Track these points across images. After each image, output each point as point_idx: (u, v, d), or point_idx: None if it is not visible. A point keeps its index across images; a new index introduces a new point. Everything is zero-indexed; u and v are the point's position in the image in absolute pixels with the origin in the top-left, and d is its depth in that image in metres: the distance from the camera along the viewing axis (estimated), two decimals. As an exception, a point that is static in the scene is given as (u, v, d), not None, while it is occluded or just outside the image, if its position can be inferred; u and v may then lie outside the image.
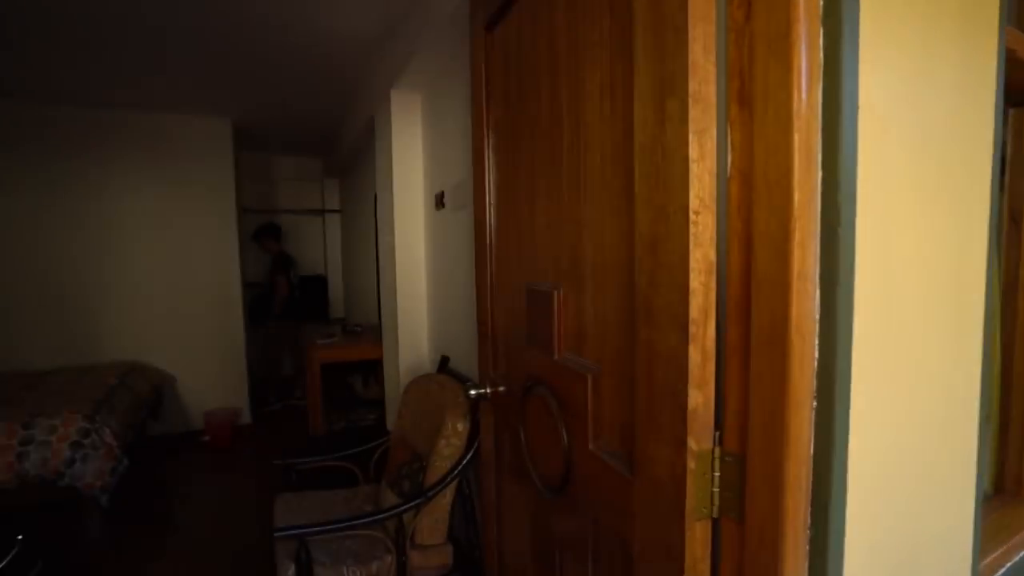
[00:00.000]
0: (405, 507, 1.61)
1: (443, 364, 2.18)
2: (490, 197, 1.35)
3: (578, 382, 0.92)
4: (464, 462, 1.66)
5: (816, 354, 0.57)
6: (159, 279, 3.76)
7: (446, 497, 1.68)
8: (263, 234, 4.60)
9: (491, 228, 1.35)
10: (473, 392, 1.38)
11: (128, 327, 3.71)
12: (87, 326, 3.61)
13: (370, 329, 3.45)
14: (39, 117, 3.39)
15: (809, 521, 0.58)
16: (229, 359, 3.98)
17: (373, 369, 3.76)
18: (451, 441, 1.66)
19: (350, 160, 4.39)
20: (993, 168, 0.73)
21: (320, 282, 5.40)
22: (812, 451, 0.57)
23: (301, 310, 5.12)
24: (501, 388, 1.34)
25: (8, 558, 1.29)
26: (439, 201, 2.21)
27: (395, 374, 2.59)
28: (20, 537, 1.40)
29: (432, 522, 1.69)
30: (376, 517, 1.60)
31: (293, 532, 1.49)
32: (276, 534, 1.48)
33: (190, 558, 2.51)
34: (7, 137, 3.34)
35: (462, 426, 1.68)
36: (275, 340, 4.54)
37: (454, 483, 1.68)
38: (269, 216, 5.16)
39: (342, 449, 2.65)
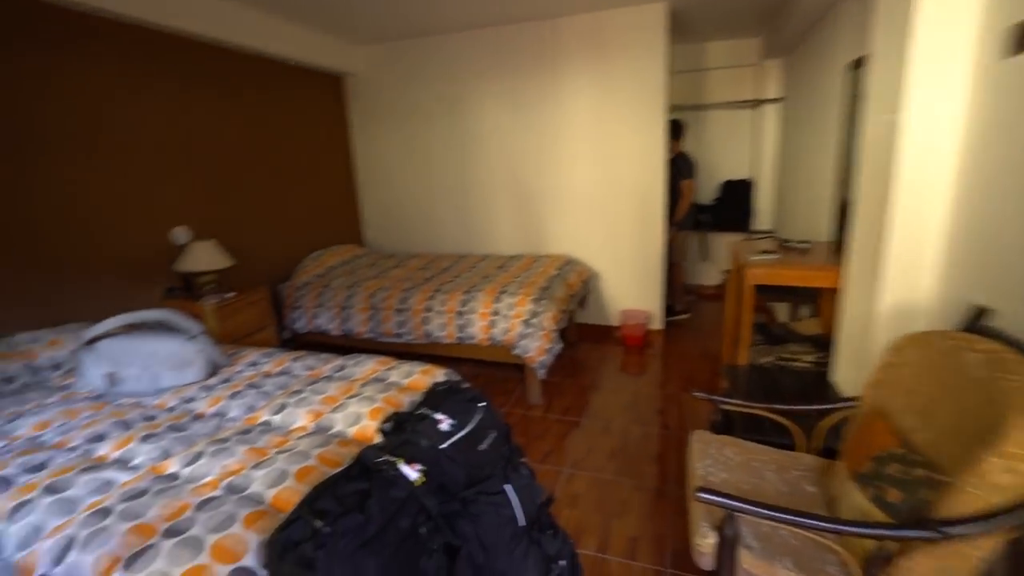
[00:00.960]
0: (902, 533, 1.03)
1: (975, 320, 1.34)
2: None
3: None
4: (1039, 509, 0.92)
5: None
6: (591, 181, 3.96)
7: (981, 549, 1.00)
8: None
9: None
10: None
11: (566, 224, 4.12)
12: (537, 221, 4.20)
13: (819, 248, 2.69)
14: (503, 36, 3.87)
15: None
16: (646, 263, 3.97)
17: (810, 298, 3.02)
18: (1015, 465, 0.93)
19: (804, 29, 3.40)
20: None
21: (743, 187, 4.76)
22: None
23: (718, 219, 4.66)
24: None
25: (471, 425, 1.40)
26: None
27: (860, 313, 1.86)
28: (482, 404, 1.51)
29: (941, 572, 1.05)
30: (846, 528, 1.09)
31: (721, 502, 1.16)
32: (700, 494, 1.18)
33: (600, 437, 2.67)
34: (486, 65, 3.97)
35: (1046, 446, 0.92)
36: (677, 249, 4.26)
37: (1009, 536, 0.97)
38: (694, 113, 4.75)
39: (770, 392, 2.18)
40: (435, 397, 1.52)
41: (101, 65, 2.62)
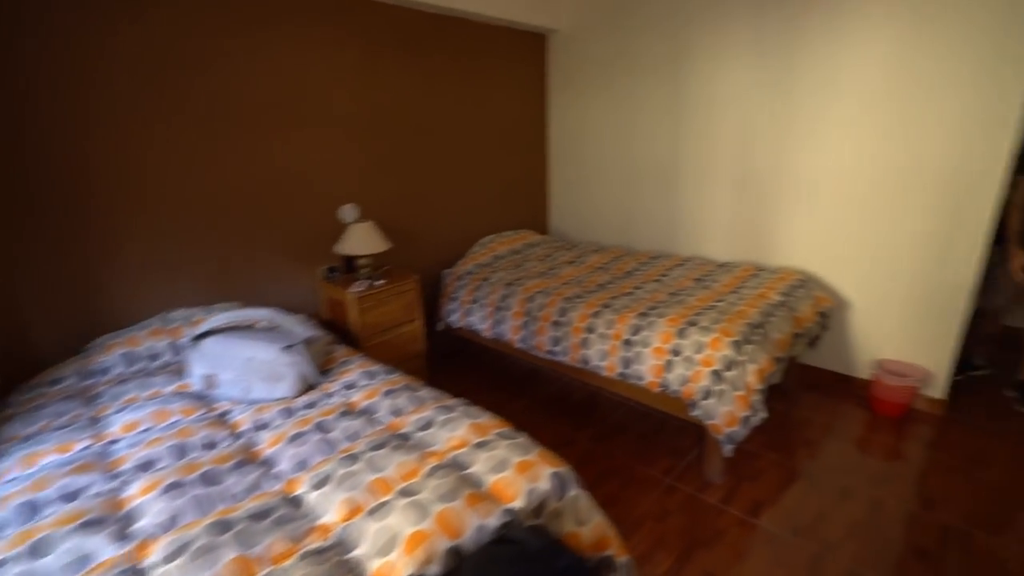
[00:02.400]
0: None
1: None
2: None
3: None
4: None
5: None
6: (862, 163, 2.67)
7: None
8: None
9: None
10: None
11: (807, 227, 2.92)
12: (766, 219, 3.07)
13: None
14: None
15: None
16: (939, 297, 2.58)
17: None
18: None
19: None
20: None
21: None
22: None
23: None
24: None
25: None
26: None
27: None
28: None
29: None
30: None
31: None
32: None
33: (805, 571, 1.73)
34: (729, 3, 2.92)
35: None
36: (1000, 274, 2.68)
37: None
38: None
39: None
40: (496, 563, 0.89)
41: (289, 39, 2.52)
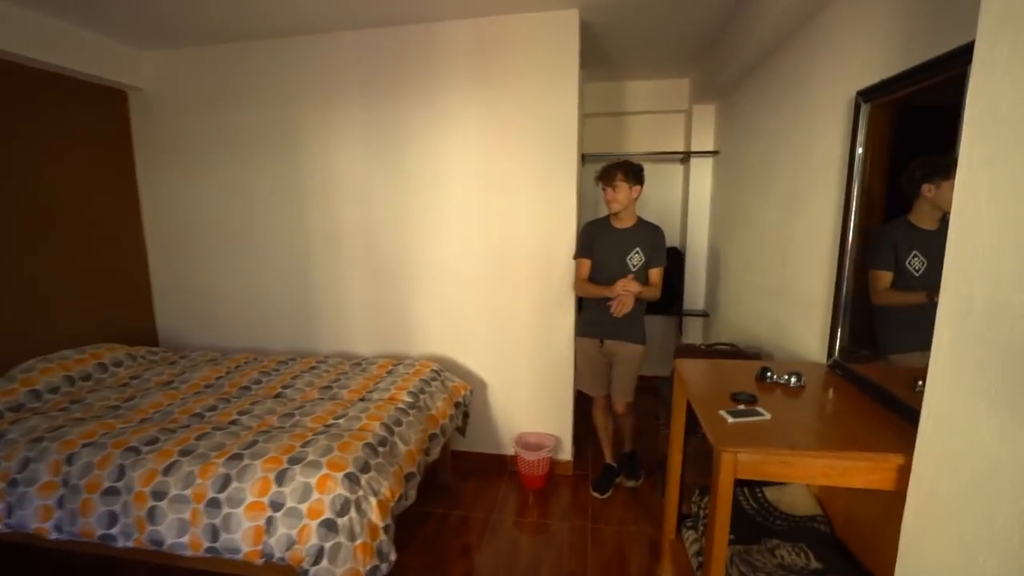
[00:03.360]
0: None
1: None
2: None
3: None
4: None
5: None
6: (474, 253, 2.78)
7: None
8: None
9: None
10: None
11: (436, 314, 2.88)
12: (397, 307, 2.92)
13: (815, 382, 1.60)
14: (356, 44, 2.70)
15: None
16: (551, 369, 2.81)
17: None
18: None
19: (752, 63, 2.52)
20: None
21: (672, 259, 3.80)
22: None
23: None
24: None
25: None
26: None
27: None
28: None
29: None
30: None
31: None
32: None
33: None
34: (332, 83, 2.76)
35: None
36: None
37: None
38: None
39: None
40: None
41: None
